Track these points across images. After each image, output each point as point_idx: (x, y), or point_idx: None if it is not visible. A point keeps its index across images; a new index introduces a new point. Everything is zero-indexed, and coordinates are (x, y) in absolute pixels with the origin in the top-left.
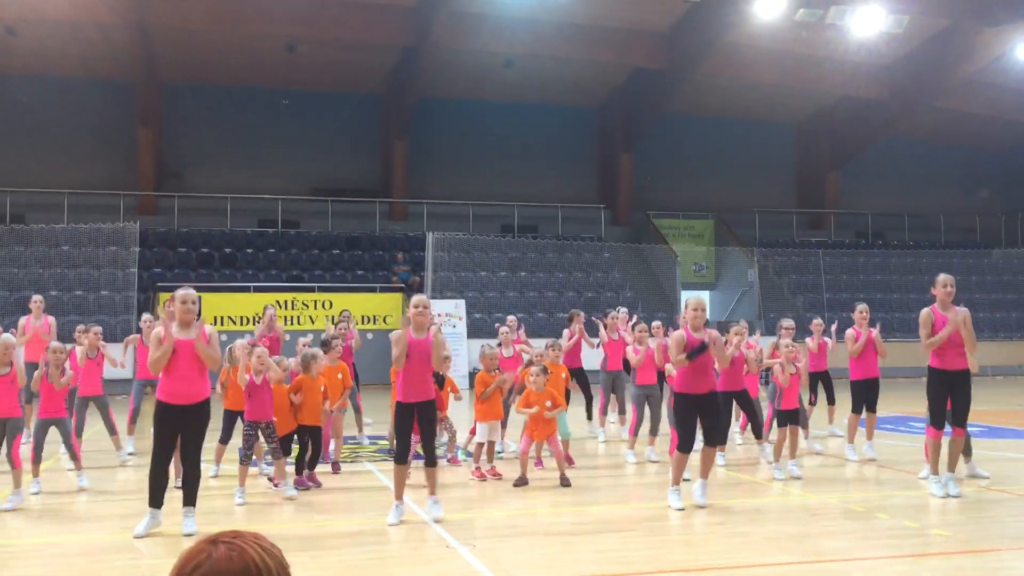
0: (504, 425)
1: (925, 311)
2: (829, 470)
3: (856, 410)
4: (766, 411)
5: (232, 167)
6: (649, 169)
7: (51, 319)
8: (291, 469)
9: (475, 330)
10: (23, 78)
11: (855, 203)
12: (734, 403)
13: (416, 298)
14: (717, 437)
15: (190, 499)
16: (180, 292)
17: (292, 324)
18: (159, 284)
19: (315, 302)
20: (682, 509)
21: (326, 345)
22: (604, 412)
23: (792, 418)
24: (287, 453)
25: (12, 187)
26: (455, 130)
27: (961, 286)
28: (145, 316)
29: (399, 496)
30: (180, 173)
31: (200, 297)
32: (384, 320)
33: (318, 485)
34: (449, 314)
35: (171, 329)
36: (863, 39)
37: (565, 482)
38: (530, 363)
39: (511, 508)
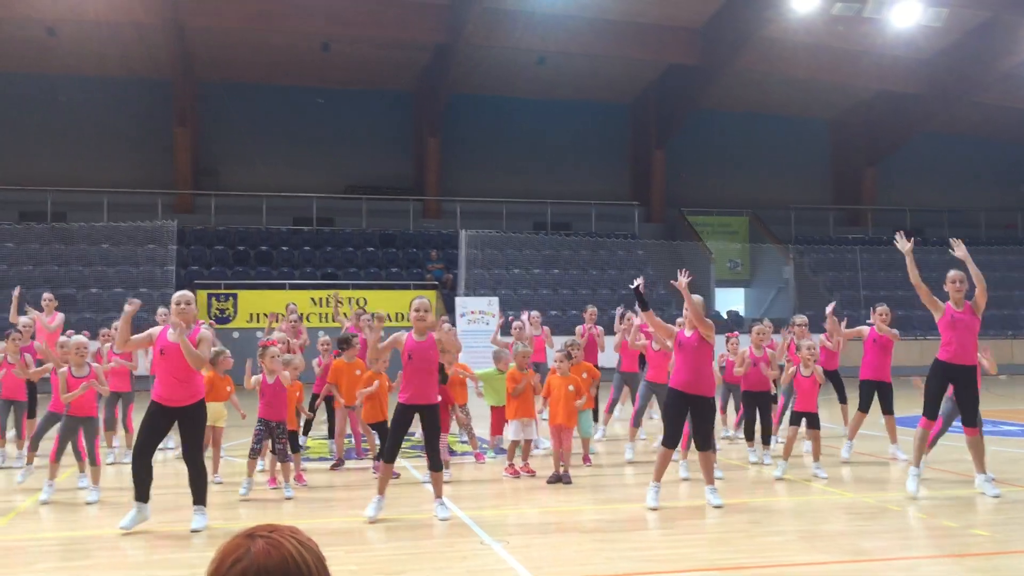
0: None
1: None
2: (865, 469)
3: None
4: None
5: (267, 165)
6: (683, 165)
7: (60, 315)
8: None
9: (508, 327)
10: (63, 78)
11: (893, 199)
12: (754, 402)
13: (416, 301)
14: (706, 442)
15: (199, 498)
16: (175, 295)
17: (326, 321)
18: (196, 282)
19: (349, 300)
20: (656, 509)
21: (345, 343)
22: (610, 411)
23: (810, 420)
24: (295, 450)
25: (54, 186)
26: (488, 127)
27: (1001, 283)
28: (161, 310)
29: (381, 491)
30: (216, 171)
31: (195, 297)
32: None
33: (395, 476)
34: (482, 311)
35: (170, 331)
36: (901, 32)
37: (565, 479)
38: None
39: (544, 505)
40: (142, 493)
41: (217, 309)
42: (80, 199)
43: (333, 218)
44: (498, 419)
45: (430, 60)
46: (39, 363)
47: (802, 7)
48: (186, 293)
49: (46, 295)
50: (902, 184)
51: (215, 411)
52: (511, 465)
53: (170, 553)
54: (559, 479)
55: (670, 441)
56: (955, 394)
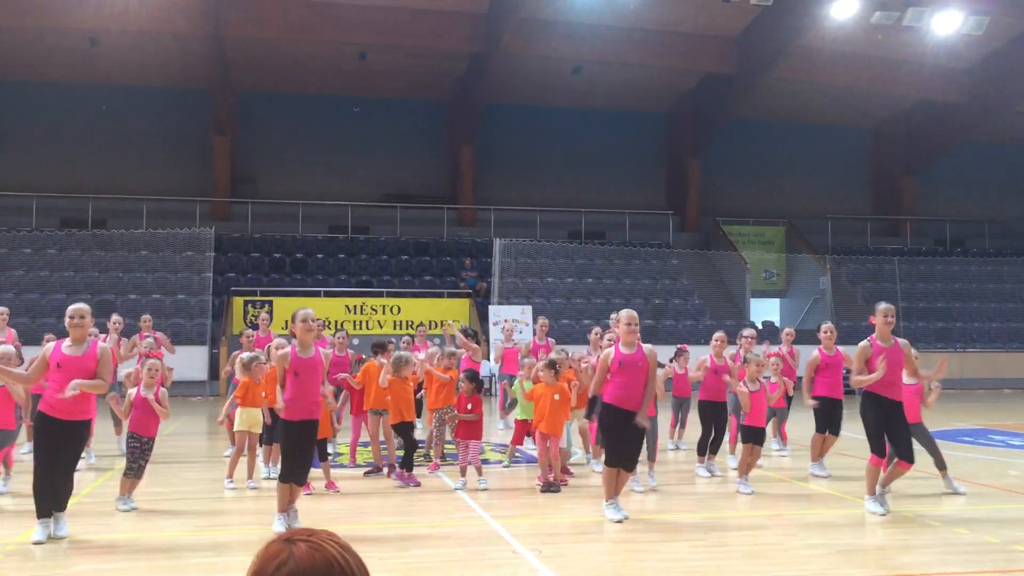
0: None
1: (863, 343)
2: (903, 484)
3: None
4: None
5: (304, 173)
6: (718, 175)
7: (13, 332)
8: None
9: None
10: (104, 87)
11: (932, 209)
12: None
13: (301, 312)
14: (626, 461)
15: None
16: (69, 308)
17: (361, 329)
18: (233, 288)
19: (383, 307)
20: (620, 521)
21: (380, 347)
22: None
23: (757, 436)
24: (324, 457)
25: (94, 193)
26: (523, 136)
27: None
28: (115, 317)
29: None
30: (254, 180)
31: (90, 311)
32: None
33: (416, 484)
34: (516, 320)
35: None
36: (941, 41)
37: (553, 488)
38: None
39: (577, 514)
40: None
41: (252, 316)
42: (120, 206)
43: (368, 226)
44: (520, 431)
45: (466, 69)
46: None
47: (840, 16)
48: (80, 307)
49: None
50: (942, 194)
51: (251, 417)
52: (542, 474)
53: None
54: (551, 487)
55: (613, 460)
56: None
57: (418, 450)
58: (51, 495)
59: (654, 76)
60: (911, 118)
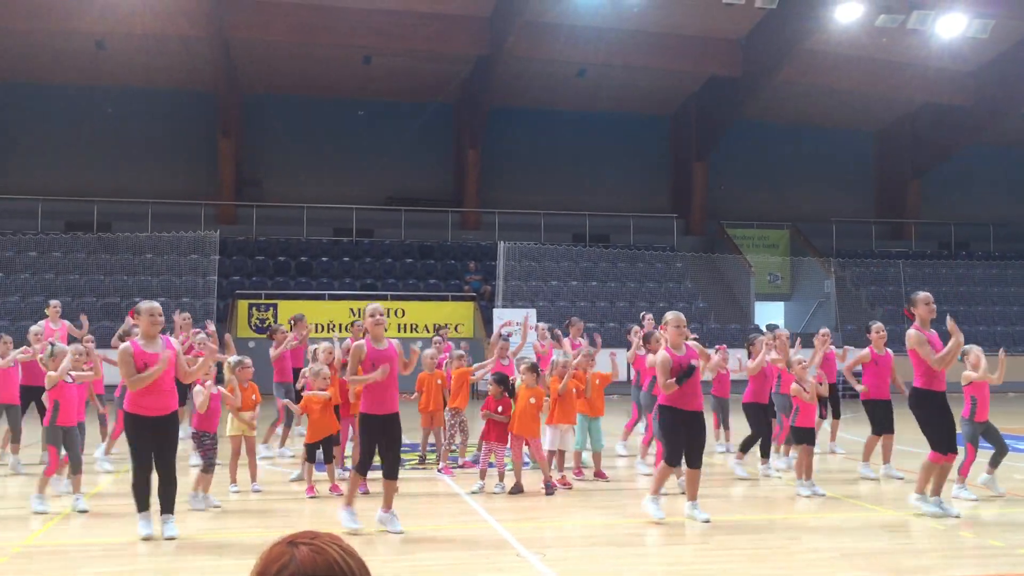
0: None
1: (915, 332)
2: (906, 487)
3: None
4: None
5: (309, 177)
6: (723, 178)
7: (67, 324)
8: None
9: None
10: (111, 90)
11: (938, 212)
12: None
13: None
14: (698, 459)
15: (167, 506)
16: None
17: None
18: (237, 292)
19: (388, 310)
20: (662, 520)
21: None
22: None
23: (809, 436)
24: (328, 460)
25: (100, 196)
26: (527, 139)
27: None
28: (183, 314)
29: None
30: (259, 183)
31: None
32: (456, 329)
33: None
34: (519, 323)
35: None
36: (946, 44)
37: (548, 491)
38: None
39: (582, 517)
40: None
41: (257, 319)
42: (125, 209)
43: (373, 229)
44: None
45: (471, 72)
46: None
47: (845, 19)
48: (157, 305)
49: (53, 302)
50: (947, 197)
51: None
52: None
53: (201, 560)
54: (521, 489)
55: (673, 459)
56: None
57: (415, 453)
58: (159, 494)
59: (659, 79)
60: (916, 121)
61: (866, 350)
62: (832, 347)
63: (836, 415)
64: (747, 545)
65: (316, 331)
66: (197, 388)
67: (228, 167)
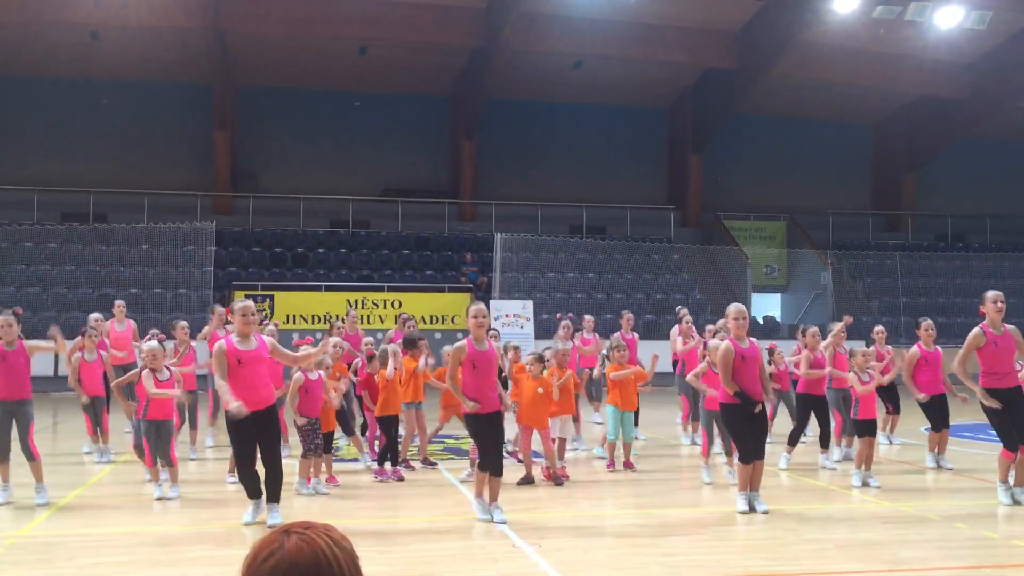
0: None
1: (976, 331)
2: (903, 478)
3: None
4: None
5: (305, 168)
6: (720, 170)
7: (133, 323)
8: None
9: (542, 331)
10: (105, 82)
11: (934, 204)
12: (811, 408)
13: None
14: (759, 451)
15: (273, 496)
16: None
17: (362, 323)
18: (234, 283)
19: (384, 302)
20: (746, 512)
21: (412, 344)
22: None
23: (870, 428)
24: (328, 450)
25: (95, 187)
26: (524, 131)
27: None
28: (219, 309)
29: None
30: (255, 174)
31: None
32: (452, 320)
33: (399, 479)
34: (516, 315)
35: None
36: (943, 36)
37: (557, 481)
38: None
39: (577, 509)
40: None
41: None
42: (121, 200)
43: (369, 221)
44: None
45: (466, 64)
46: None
47: (842, 10)
48: (251, 304)
49: (118, 302)
50: (944, 189)
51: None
52: (547, 468)
53: (214, 551)
54: (532, 480)
55: (746, 456)
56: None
57: (447, 442)
58: (267, 483)
59: (655, 71)
60: (913, 113)
61: (915, 348)
62: (889, 346)
63: (896, 410)
64: (742, 536)
65: (312, 323)
66: (297, 375)
67: (224, 158)
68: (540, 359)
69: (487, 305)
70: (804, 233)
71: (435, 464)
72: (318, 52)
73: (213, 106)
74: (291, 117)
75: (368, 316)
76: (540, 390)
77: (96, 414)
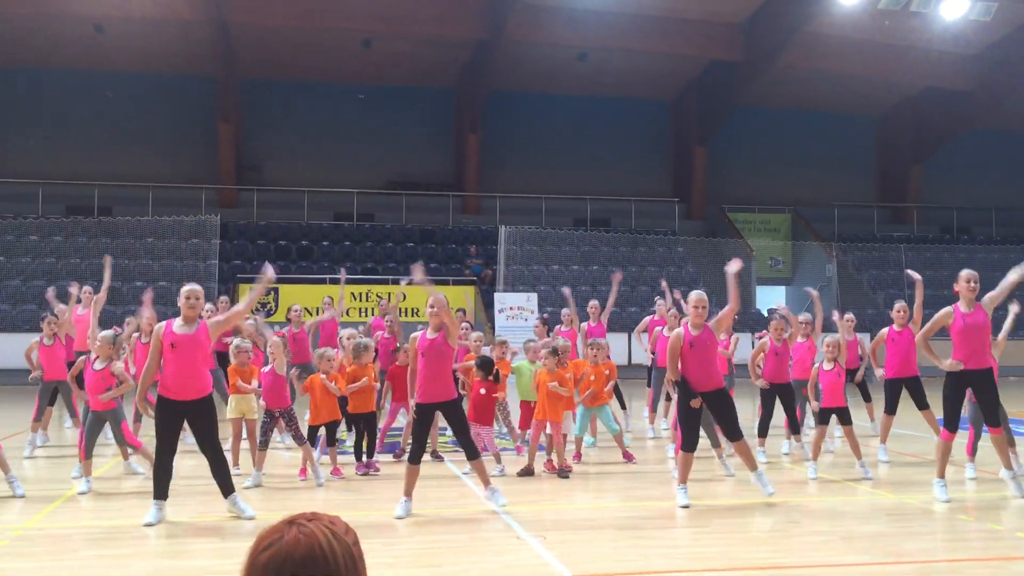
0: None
1: (947, 309)
2: (907, 470)
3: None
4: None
5: (309, 161)
6: (724, 162)
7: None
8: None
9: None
10: (109, 75)
11: (939, 197)
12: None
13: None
14: (735, 432)
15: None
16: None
17: (367, 316)
18: (239, 276)
19: (389, 294)
20: (688, 506)
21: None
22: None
23: (840, 416)
24: (331, 443)
25: (100, 180)
26: (528, 123)
27: None
28: (208, 306)
29: (408, 493)
30: (259, 167)
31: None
32: (456, 313)
33: (376, 471)
34: (521, 307)
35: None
36: (949, 27)
37: (562, 474)
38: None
39: (581, 501)
40: (161, 491)
41: (259, 303)
42: (126, 193)
43: (373, 213)
44: (527, 413)
45: (470, 56)
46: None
47: (847, 2)
48: (196, 288)
49: (85, 287)
50: (949, 181)
51: (244, 403)
52: (550, 460)
53: (205, 543)
54: (532, 472)
55: (688, 445)
56: (976, 398)
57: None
58: (214, 475)
59: (660, 63)
60: (918, 105)
61: (884, 329)
62: (857, 334)
63: (867, 398)
64: (746, 528)
65: (316, 315)
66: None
67: (228, 151)
68: (555, 352)
69: (492, 298)
70: (809, 225)
71: (442, 458)
72: (322, 45)
73: (217, 99)
74: (295, 110)
75: (372, 309)
76: (552, 384)
77: (54, 400)
